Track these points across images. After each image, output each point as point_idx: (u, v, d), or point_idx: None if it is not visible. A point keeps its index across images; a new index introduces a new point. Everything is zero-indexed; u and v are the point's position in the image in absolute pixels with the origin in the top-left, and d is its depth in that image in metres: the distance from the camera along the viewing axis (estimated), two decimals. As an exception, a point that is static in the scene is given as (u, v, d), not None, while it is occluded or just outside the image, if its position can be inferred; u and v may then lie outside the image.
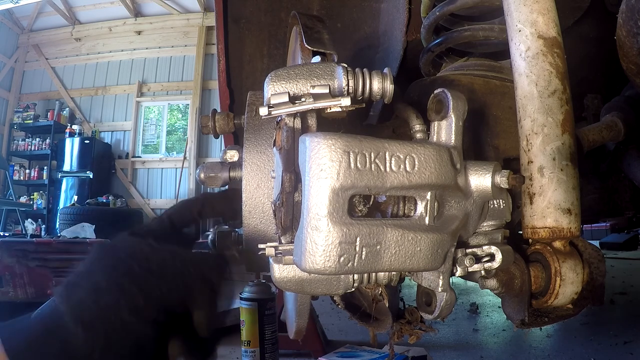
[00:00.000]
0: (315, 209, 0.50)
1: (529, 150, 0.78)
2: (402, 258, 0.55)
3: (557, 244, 0.77)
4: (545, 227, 0.77)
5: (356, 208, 0.55)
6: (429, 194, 0.57)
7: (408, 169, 0.54)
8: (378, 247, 0.53)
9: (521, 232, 0.82)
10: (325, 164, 0.50)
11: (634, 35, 0.78)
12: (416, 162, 0.55)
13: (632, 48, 0.80)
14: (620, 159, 1.23)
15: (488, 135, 0.92)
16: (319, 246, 0.50)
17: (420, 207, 0.57)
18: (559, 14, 0.80)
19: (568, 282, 0.76)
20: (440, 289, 0.63)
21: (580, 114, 1.29)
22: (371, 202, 0.57)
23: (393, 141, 0.54)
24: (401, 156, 0.54)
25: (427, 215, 0.57)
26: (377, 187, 0.53)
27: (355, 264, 0.52)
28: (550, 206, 0.76)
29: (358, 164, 0.51)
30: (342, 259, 0.51)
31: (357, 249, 0.52)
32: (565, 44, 0.80)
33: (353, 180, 0.51)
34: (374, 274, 0.64)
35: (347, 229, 0.51)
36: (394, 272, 0.65)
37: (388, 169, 0.53)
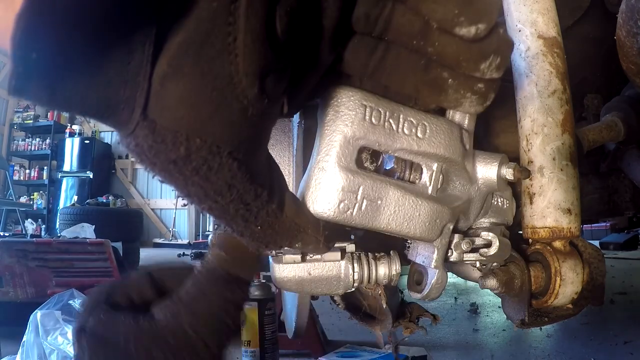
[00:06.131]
0: (325, 150, 0.52)
1: (529, 150, 0.78)
2: (400, 219, 0.55)
3: (557, 244, 0.77)
4: (545, 227, 0.77)
5: (363, 164, 0.56)
6: (436, 165, 0.58)
7: (419, 134, 0.56)
8: (379, 202, 0.54)
9: (521, 232, 0.82)
10: (341, 111, 0.52)
11: (634, 35, 0.78)
12: (427, 130, 0.56)
13: (632, 48, 0.80)
14: (620, 159, 1.23)
15: (488, 135, 0.92)
16: (322, 187, 0.52)
17: (425, 177, 0.58)
18: (559, 14, 0.80)
19: (568, 282, 0.76)
20: (433, 264, 0.62)
21: (580, 114, 1.29)
22: (379, 163, 0.57)
23: (409, 107, 0.56)
24: (414, 121, 0.55)
25: (431, 185, 0.58)
26: (387, 144, 0.54)
27: (354, 213, 0.53)
28: (550, 206, 0.76)
29: (373, 119, 0.53)
30: (342, 205, 0.52)
31: (358, 198, 0.53)
32: (565, 44, 0.80)
33: (365, 132, 0.52)
34: (373, 273, 0.64)
35: (352, 176, 0.52)
36: (393, 271, 0.64)
37: (400, 130, 0.55)
